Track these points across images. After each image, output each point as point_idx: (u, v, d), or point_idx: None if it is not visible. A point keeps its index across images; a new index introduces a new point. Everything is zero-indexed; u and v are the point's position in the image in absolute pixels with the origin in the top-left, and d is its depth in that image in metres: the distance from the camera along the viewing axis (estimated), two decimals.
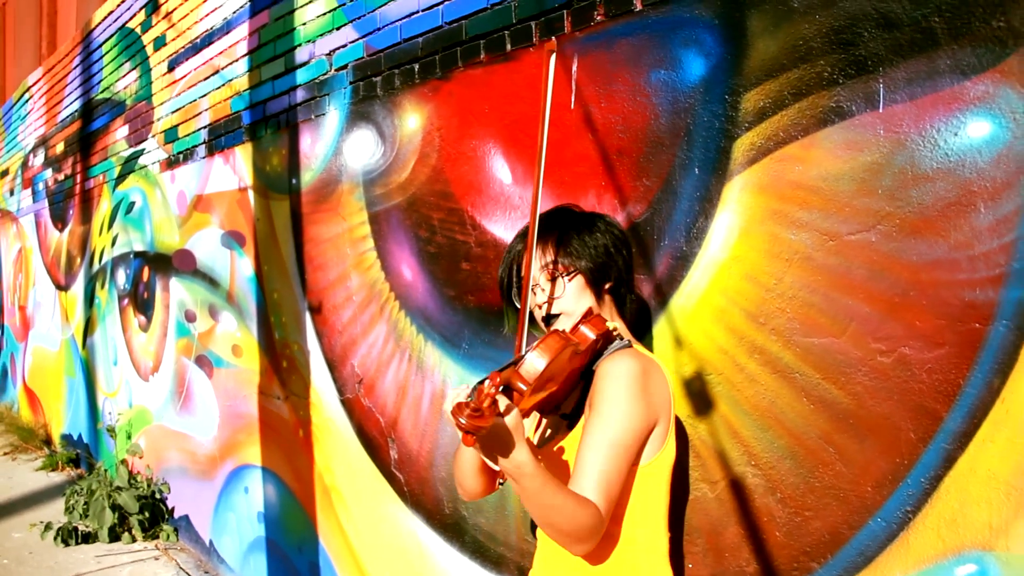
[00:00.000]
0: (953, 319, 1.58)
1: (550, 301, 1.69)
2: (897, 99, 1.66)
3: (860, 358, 1.71)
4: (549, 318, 1.76)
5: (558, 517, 1.48)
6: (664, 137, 2.10)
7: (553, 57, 1.64)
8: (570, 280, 1.74)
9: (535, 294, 1.76)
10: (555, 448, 1.74)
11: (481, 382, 1.38)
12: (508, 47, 2.54)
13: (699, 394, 2.02)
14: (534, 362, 1.46)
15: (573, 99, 2.34)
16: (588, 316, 1.66)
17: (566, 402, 1.76)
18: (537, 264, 1.75)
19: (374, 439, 3.23)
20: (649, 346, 2.13)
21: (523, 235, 1.81)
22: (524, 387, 1.44)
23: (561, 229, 1.77)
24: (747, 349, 1.91)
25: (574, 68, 2.34)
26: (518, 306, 1.77)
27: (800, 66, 1.81)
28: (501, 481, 1.59)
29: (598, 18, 2.26)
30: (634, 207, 2.17)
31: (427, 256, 2.93)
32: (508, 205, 2.56)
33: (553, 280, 1.74)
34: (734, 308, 1.94)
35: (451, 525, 2.84)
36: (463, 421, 1.28)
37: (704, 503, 2.02)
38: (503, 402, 1.39)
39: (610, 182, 2.23)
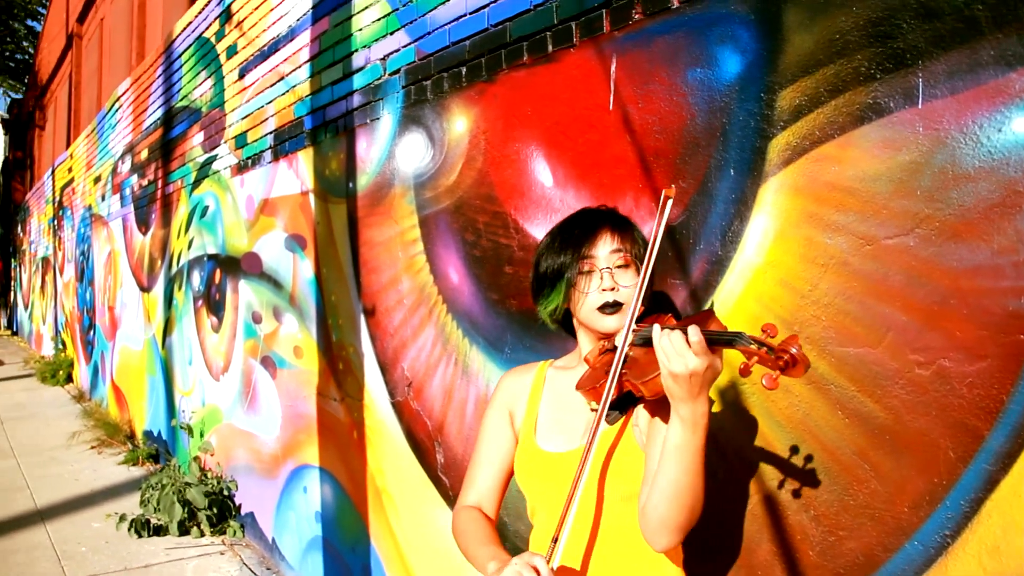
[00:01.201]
0: (996, 330, 1.47)
1: (616, 288, 1.63)
2: (937, 94, 1.55)
3: (897, 370, 1.61)
4: (606, 307, 1.66)
5: (697, 487, 1.47)
6: (700, 138, 2.02)
7: (670, 203, 1.58)
8: (638, 274, 1.68)
9: (601, 277, 1.67)
10: (614, 444, 1.67)
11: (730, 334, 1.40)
12: (549, 48, 2.50)
13: (733, 404, 1.93)
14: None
15: (612, 100, 2.29)
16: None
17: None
18: (609, 248, 1.69)
19: (422, 442, 3.22)
20: None
21: (582, 224, 1.75)
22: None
23: (635, 227, 1.76)
24: None
25: (612, 68, 2.28)
26: (576, 287, 1.70)
27: (836, 61, 1.72)
28: None
29: (636, 16, 2.20)
30: (671, 210, 2.09)
31: (472, 260, 2.90)
32: (549, 208, 2.52)
33: (625, 268, 1.68)
34: (768, 315, 1.85)
35: (496, 529, 2.80)
36: (795, 350, 1.28)
37: (737, 518, 1.93)
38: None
39: (647, 184, 2.17)
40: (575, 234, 1.72)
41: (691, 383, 1.40)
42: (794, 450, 1.81)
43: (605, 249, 1.69)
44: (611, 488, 1.64)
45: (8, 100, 23.08)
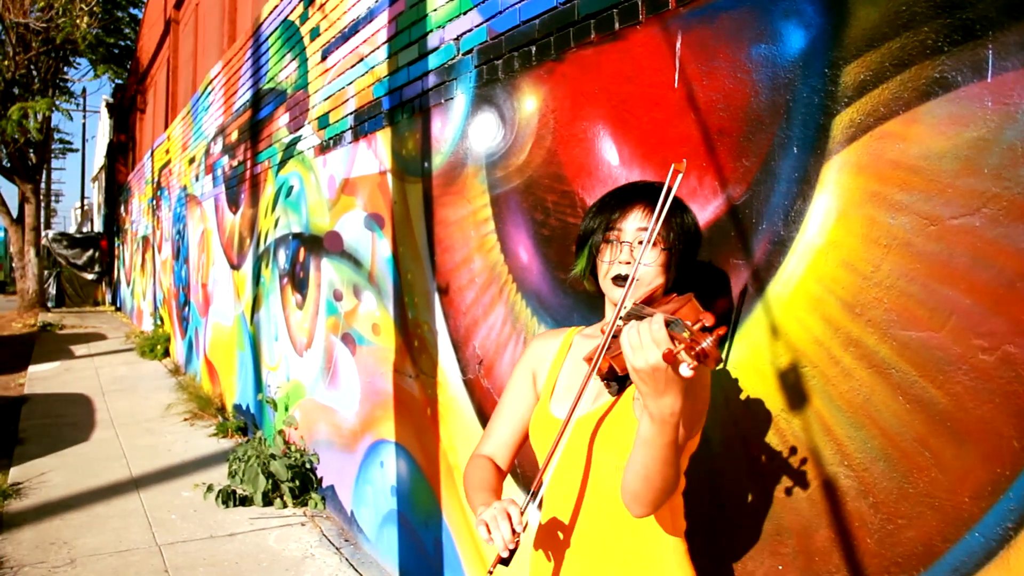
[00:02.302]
0: None
1: (636, 263, 1.56)
2: (1007, 66, 1.49)
3: (960, 355, 1.56)
4: (618, 279, 1.66)
5: (667, 473, 1.46)
6: (764, 115, 1.98)
7: (679, 178, 1.55)
8: (660, 253, 1.67)
9: (622, 250, 1.68)
10: (606, 412, 1.70)
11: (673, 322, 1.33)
12: (616, 25, 2.48)
13: (793, 387, 1.90)
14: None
15: (676, 78, 2.25)
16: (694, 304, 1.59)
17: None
18: (637, 223, 1.68)
19: None
20: (746, 335, 2.03)
21: (620, 195, 1.75)
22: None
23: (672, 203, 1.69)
24: (842, 341, 1.78)
25: (678, 45, 2.25)
26: (599, 255, 1.73)
27: (902, 34, 1.66)
28: (490, 571, 1.56)
29: None
30: (734, 189, 2.07)
31: (541, 239, 2.91)
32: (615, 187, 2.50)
33: (646, 245, 1.64)
34: (830, 297, 1.81)
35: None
36: (707, 344, 1.24)
37: (796, 502, 1.90)
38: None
39: (711, 163, 2.13)
40: (611, 204, 1.73)
41: (655, 378, 1.34)
42: (854, 436, 1.77)
43: (633, 224, 1.68)
44: (599, 455, 1.66)
45: (113, 86, 23.98)
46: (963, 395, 1.56)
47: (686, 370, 1.27)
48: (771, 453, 1.96)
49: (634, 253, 1.66)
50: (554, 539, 1.76)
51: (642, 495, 1.50)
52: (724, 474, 2.09)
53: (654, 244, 1.66)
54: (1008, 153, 1.48)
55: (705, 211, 2.15)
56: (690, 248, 1.73)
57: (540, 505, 1.78)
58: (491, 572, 1.51)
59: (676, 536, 1.72)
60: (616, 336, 1.53)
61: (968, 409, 1.55)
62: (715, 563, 2.09)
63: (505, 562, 1.51)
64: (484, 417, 3.31)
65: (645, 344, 1.32)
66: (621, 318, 1.50)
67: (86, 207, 43.89)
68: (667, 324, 1.32)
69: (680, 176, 1.52)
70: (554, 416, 1.76)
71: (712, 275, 2.14)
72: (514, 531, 1.50)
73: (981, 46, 1.52)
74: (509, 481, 3.14)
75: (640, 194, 1.72)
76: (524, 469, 3.07)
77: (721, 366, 2.08)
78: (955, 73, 1.57)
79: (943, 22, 1.58)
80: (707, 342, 1.23)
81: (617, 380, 1.62)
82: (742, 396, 2.04)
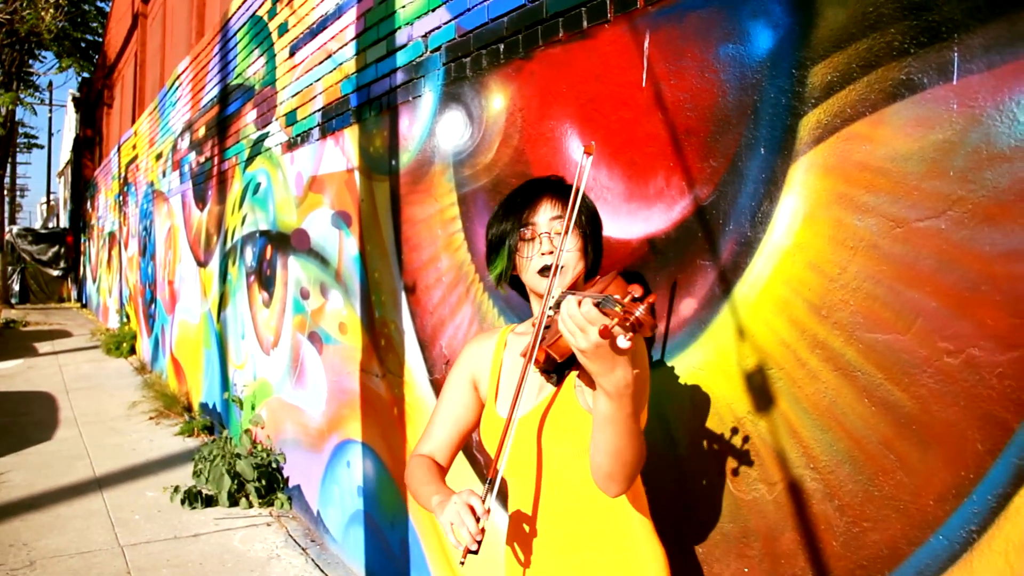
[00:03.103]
0: None
1: (558, 252, 1.62)
2: (973, 69, 1.48)
3: (926, 358, 1.56)
4: (544, 269, 1.71)
5: (634, 446, 1.50)
6: (731, 115, 1.97)
7: (589, 160, 1.58)
8: (578, 238, 1.73)
9: (541, 242, 1.72)
10: (549, 404, 1.72)
11: (606, 299, 1.34)
12: (584, 24, 2.46)
13: (760, 389, 1.89)
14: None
15: (644, 77, 2.24)
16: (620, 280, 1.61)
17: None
18: (550, 214, 1.74)
19: None
20: (712, 337, 2.02)
21: (524, 192, 1.81)
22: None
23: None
24: (809, 343, 1.78)
25: (646, 44, 2.23)
26: (519, 252, 1.76)
27: (869, 35, 1.65)
28: (461, 562, 1.56)
29: None
30: (701, 189, 2.05)
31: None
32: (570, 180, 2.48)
33: (566, 233, 1.68)
34: (797, 299, 1.80)
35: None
36: (640, 313, 1.24)
37: (762, 505, 1.89)
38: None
39: (678, 163, 2.12)
40: (517, 202, 1.79)
41: (600, 355, 1.36)
42: (820, 438, 1.76)
43: (545, 216, 1.74)
44: (549, 446, 1.70)
45: (79, 80, 23.64)
46: (928, 398, 1.55)
47: (623, 342, 1.29)
48: (737, 455, 1.95)
49: (554, 242, 1.71)
50: (522, 533, 1.78)
51: (615, 472, 1.53)
52: (691, 476, 2.08)
53: (576, 231, 1.72)
54: (973, 156, 1.48)
55: (672, 211, 2.14)
56: (598, 229, 1.82)
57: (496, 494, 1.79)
58: (462, 563, 1.51)
59: (641, 513, 1.74)
60: (549, 327, 1.57)
61: (933, 412, 1.54)
62: (682, 566, 2.07)
63: (475, 552, 1.52)
64: None
65: (582, 326, 1.36)
66: (551, 308, 1.55)
67: (52, 202, 43.29)
68: (599, 303, 1.36)
69: (590, 159, 1.57)
70: (500, 416, 1.77)
71: (677, 275, 2.13)
72: (478, 520, 1.51)
73: (947, 48, 1.52)
74: (477, 483, 3.12)
75: (543, 188, 1.79)
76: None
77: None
78: (921, 75, 1.56)
79: (910, 24, 1.58)
80: (639, 311, 1.25)
81: (556, 371, 1.64)
82: (709, 398, 2.03)
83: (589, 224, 1.77)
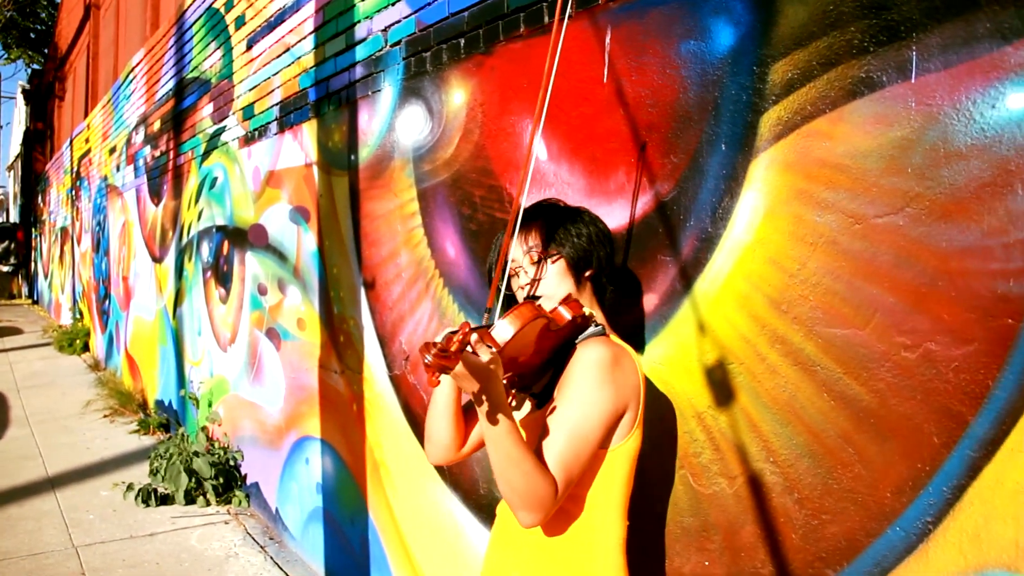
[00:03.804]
0: (984, 313, 1.43)
1: (533, 283, 1.66)
2: (930, 68, 1.50)
3: (883, 352, 1.58)
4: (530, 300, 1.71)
5: (517, 472, 1.51)
6: (692, 112, 1.98)
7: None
8: (552, 263, 1.75)
9: (518, 276, 1.77)
10: (520, 423, 1.73)
11: (454, 331, 1.39)
12: (546, 19, 2.45)
13: (720, 384, 1.90)
14: (504, 327, 1.51)
15: (606, 73, 2.24)
16: (567, 299, 1.66)
17: (538, 383, 1.72)
18: (521, 248, 1.76)
19: (418, 416, 3.21)
20: (673, 332, 2.03)
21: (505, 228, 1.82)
22: (492, 349, 1.46)
23: (546, 217, 1.79)
24: (769, 338, 1.79)
25: (607, 40, 2.23)
26: (523, 283, 1.79)
27: (830, 33, 1.66)
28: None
29: None
30: (662, 185, 2.06)
31: (469, 233, 2.87)
32: (543, 183, 2.48)
33: (537, 263, 1.75)
34: (757, 294, 1.82)
35: (485, 505, 2.80)
36: (428, 359, 1.32)
37: (722, 499, 1.91)
38: (482, 351, 1.43)
39: (639, 159, 2.12)
40: (496, 240, 1.89)
41: (459, 382, 1.47)
42: (779, 432, 1.77)
43: (519, 250, 1.77)
44: None
45: (29, 71, 23.14)
46: (886, 392, 1.57)
47: (433, 380, 1.36)
48: (698, 450, 1.96)
49: (530, 273, 1.76)
50: (501, 535, 1.84)
51: (508, 499, 1.56)
52: (651, 471, 2.09)
53: (550, 259, 1.74)
54: (930, 153, 1.50)
55: (633, 207, 2.14)
56: (588, 248, 1.78)
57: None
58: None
59: (612, 541, 1.72)
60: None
61: (891, 406, 1.56)
62: (643, 560, 2.08)
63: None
64: (410, 413, 3.26)
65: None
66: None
67: (1, 196, 42.35)
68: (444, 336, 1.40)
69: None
70: None
71: (635, 272, 2.13)
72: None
73: (906, 47, 1.54)
74: (435, 479, 3.10)
75: (524, 218, 1.77)
76: (451, 466, 3.03)
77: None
78: (880, 73, 1.58)
79: (869, 22, 1.59)
80: (428, 358, 1.32)
81: (523, 389, 1.68)
82: (669, 393, 2.04)
83: (555, 242, 1.76)
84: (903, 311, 1.54)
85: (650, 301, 2.10)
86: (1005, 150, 1.40)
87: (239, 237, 5.34)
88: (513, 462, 1.51)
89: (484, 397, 1.48)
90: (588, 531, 1.69)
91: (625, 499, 1.73)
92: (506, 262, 1.65)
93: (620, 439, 1.68)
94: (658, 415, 2.06)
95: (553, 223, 1.77)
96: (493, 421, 1.49)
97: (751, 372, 1.83)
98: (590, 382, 1.62)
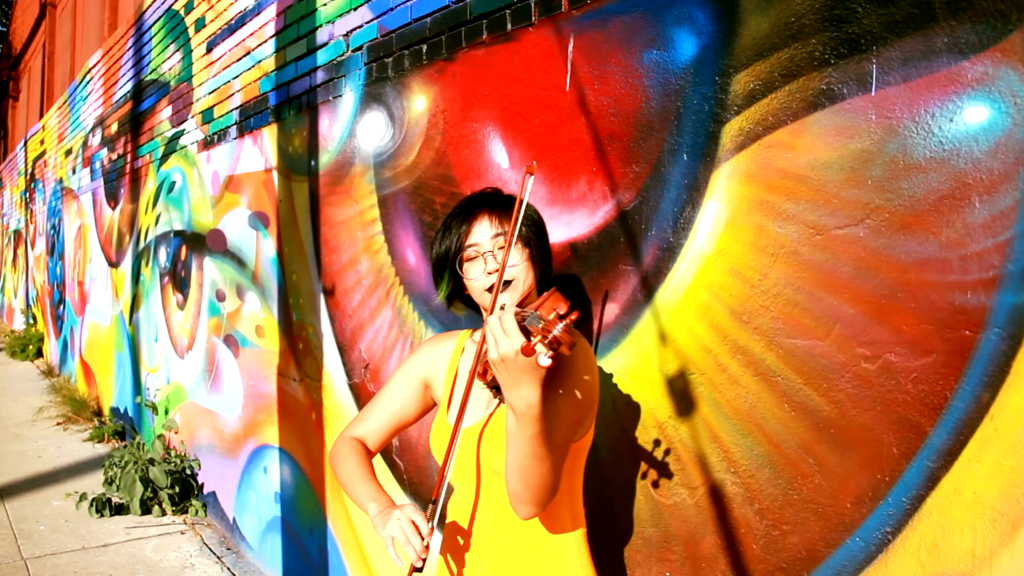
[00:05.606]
0: (942, 325, 1.44)
1: (502, 268, 1.58)
2: (890, 81, 1.51)
3: (844, 363, 1.58)
4: (493, 287, 1.66)
5: (540, 470, 1.46)
6: (654, 121, 1.97)
7: (531, 180, 1.56)
8: (522, 249, 1.69)
9: (486, 261, 1.69)
10: (488, 418, 1.72)
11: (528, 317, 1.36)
12: (508, 26, 2.44)
13: (681, 394, 1.90)
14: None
15: (568, 81, 2.23)
16: (552, 293, 1.58)
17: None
18: (490, 232, 1.70)
19: None
20: (634, 342, 2.03)
21: (462, 211, 1.76)
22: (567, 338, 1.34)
23: (507, 205, 1.75)
24: (730, 349, 1.79)
25: (570, 48, 2.22)
26: (464, 274, 1.73)
27: (791, 45, 1.67)
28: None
29: None
30: (623, 195, 2.05)
31: (429, 241, 2.83)
32: (505, 191, 2.46)
33: (509, 244, 1.65)
34: (718, 304, 1.82)
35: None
36: (557, 331, 1.27)
37: (683, 509, 1.90)
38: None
39: (601, 167, 2.12)
40: (456, 223, 1.74)
41: (507, 370, 1.36)
42: (740, 443, 1.77)
43: (486, 234, 1.70)
44: (485, 460, 1.69)
45: None
46: (846, 403, 1.58)
47: (544, 359, 1.30)
48: (659, 460, 1.96)
49: (498, 259, 1.68)
50: (456, 545, 1.78)
51: (520, 494, 1.51)
52: (612, 482, 2.08)
53: (520, 243, 1.69)
54: (890, 165, 1.51)
55: (595, 216, 2.14)
56: (544, 237, 1.77)
57: (443, 515, 1.82)
58: None
59: (576, 530, 1.73)
60: None
61: (851, 416, 1.57)
62: (604, 571, 2.07)
63: (419, 570, 1.53)
64: None
65: (499, 337, 1.36)
66: None
67: None
68: (524, 319, 1.37)
69: (531, 179, 1.56)
70: (450, 425, 1.76)
71: (600, 280, 2.12)
72: (422, 538, 1.53)
73: (866, 60, 1.54)
74: (396, 488, 3.08)
75: (480, 204, 1.75)
76: (410, 475, 3.00)
77: (609, 369, 2.09)
78: (841, 85, 1.59)
79: (830, 35, 1.60)
80: (557, 329, 1.28)
81: (497, 387, 1.62)
82: (630, 403, 2.03)
83: (535, 234, 1.72)
84: (863, 322, 1.55)
85: (611, 311, 2.09)
86: (963, 163, 1.41)
87: (197, 242, 5.26)
88: (541, 460, 1.46)
89: (531, 395, 1.38)
90: (558, 524, 1.70)
91: (581, 492, 1.77)
92: (503, 275, 1.58)
93: (584, 432, 1.69)
94: (619, 425, 2.05)
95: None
96: (531, 423, 1.41)
97: (712, 382, 1.83)
98: (586, 377, 1.64)
